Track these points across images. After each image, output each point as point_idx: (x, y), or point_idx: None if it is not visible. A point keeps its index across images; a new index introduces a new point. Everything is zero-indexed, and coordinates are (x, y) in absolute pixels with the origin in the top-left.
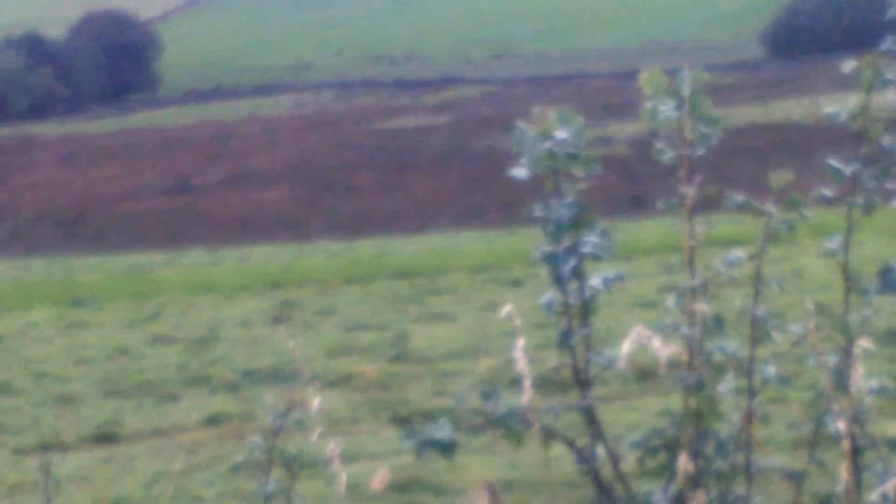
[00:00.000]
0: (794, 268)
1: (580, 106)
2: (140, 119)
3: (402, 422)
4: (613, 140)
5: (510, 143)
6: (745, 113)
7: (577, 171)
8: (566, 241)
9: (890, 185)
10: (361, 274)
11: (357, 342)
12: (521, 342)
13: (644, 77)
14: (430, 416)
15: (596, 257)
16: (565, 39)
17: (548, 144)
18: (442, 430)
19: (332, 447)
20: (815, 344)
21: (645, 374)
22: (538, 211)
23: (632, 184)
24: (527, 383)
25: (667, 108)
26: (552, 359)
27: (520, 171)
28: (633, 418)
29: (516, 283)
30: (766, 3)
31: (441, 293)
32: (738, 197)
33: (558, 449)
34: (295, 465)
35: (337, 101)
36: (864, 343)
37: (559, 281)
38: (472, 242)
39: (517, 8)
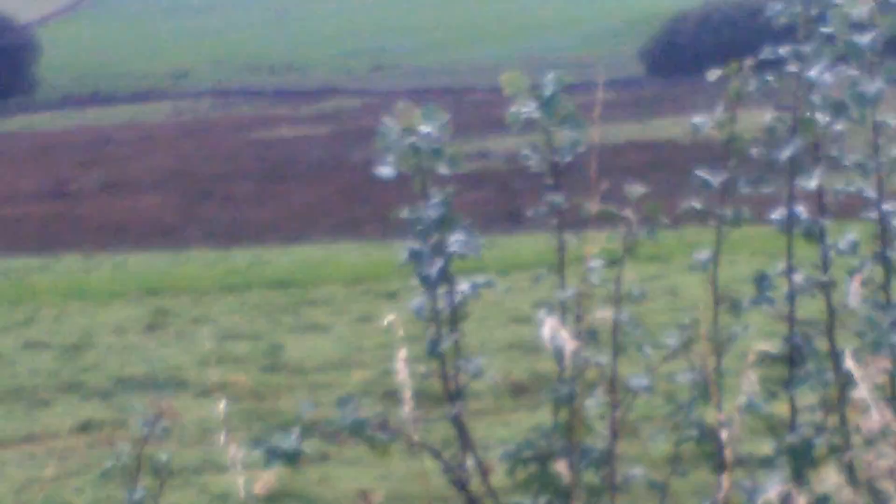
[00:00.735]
0: (668, 286)
1: (459, 119)
2: (17, 123)
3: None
4: (491, 154)
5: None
6: (623, 130)
7: (443, 168)
8: (432, 241)
9: (761, 197)
10: (237, 283)
11: (231, 351)
12: (402, 353)
13: (504, 78)
14: (302, 426)
15: (462, 256)
16: (444, 52)
17: (412, 139)
18: (289, 441)
19: (233, 452)
20: (687, 358)
21: (518, 389)
22: (406, 213)
23: (508, 198)
24: (407, 393)
25: (528, 110)
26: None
27: (385, 170)
28: (505, 433)
29: (392, 296)
30: (645, 20)
31: (316, 304)
32: (599, 205)
33: (432, 462)
34: (163, 473)
35: (215, 110)
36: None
37: (426, 282)
38: (348, 254)
39: (396, 20)
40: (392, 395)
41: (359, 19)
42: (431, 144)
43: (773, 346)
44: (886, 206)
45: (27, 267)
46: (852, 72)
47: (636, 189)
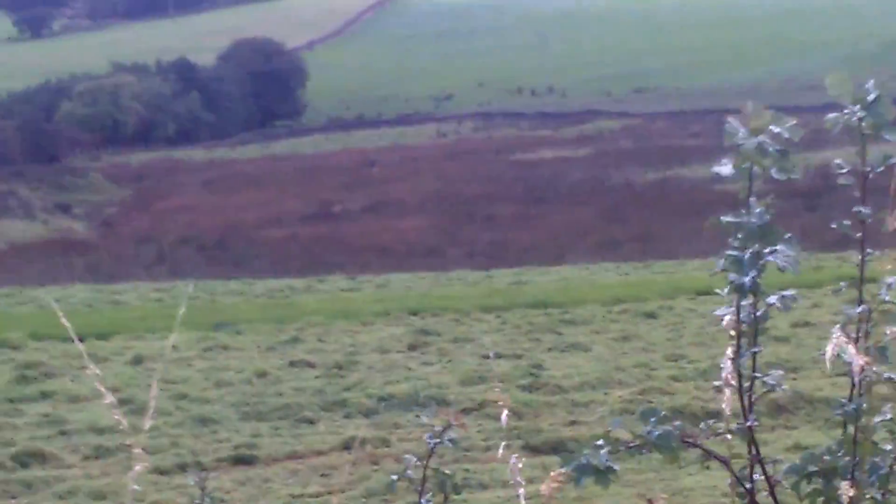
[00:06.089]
0: None
1: (718, 140)
2: (284, 146)
3: (535, 450)
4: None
5: (722, 137)
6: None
7: (779, 174)
8: (751, 250)
9: None
10: (497, 303)
11: (492, 370)
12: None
13: (830, 79)
14: (563, 444)
15: (781, 268)
16: (704, 75)
17: (761, 138)
18: (598, 457)
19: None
20: None
21: (777, 408)
22: (718, 220)
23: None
24: (727, 395)
25: (850, 113)
26: (685, 392)
27: (724, 169)
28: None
29: (651, 316)
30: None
31: (575, 324)
32: None
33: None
34: (448, 487)
35: (478, 132)
36: None
37: (740, 289)
38: (607, 274)
39: (657, 43)
40: (654, 414)
41: (620, 42)
42: (778, 146)
43: None
44: None
45: (293, 287)
46: None
47: None
